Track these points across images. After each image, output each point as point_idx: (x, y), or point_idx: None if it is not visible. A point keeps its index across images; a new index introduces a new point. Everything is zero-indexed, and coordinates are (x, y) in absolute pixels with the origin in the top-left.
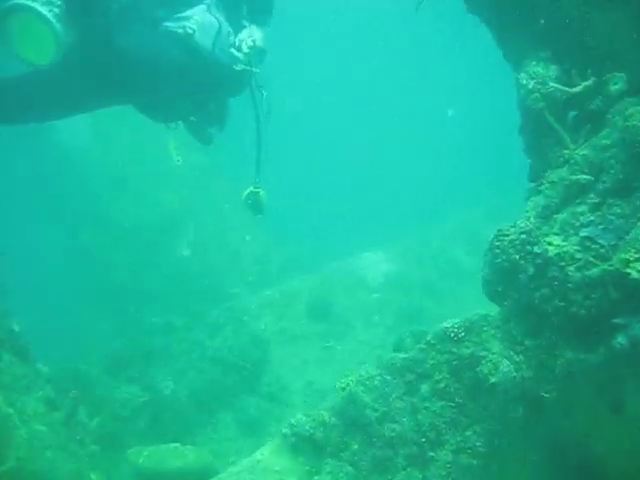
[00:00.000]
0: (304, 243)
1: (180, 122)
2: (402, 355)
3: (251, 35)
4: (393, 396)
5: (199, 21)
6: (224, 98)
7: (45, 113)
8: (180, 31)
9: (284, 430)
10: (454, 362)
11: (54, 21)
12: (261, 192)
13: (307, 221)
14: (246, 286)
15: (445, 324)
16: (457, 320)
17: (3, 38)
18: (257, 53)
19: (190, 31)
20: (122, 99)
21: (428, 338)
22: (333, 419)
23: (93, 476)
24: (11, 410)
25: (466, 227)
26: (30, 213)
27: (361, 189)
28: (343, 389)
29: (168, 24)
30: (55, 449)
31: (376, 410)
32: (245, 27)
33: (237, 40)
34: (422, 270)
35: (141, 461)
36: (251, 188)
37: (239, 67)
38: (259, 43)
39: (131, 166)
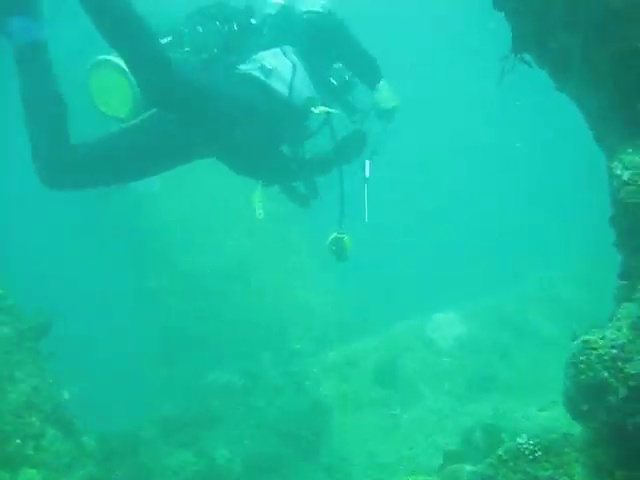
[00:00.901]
0: (372, 298)
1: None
2: (469, 468)
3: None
4: None
5: (273, 63)
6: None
7: (127, 174)
8: (255, 73)
9: None
10: None
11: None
12: (345, 238)
13: (377, 275)
14: (310, 341)
15: (520, 440)
16: (533, 437)
17: (90, 96)
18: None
19: (265, 71)
20: (204, 151)
21: (500, 452)
22: None
23: None
24: None
25: (544, 288)
26: (99, 258)
27: (433, 244)
28: None
29: (242, 67)
30: None
31: None
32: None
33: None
34: (496, 333)
35: None
36: (335, 234)
37: (317, 110)
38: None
39: (201, 212)
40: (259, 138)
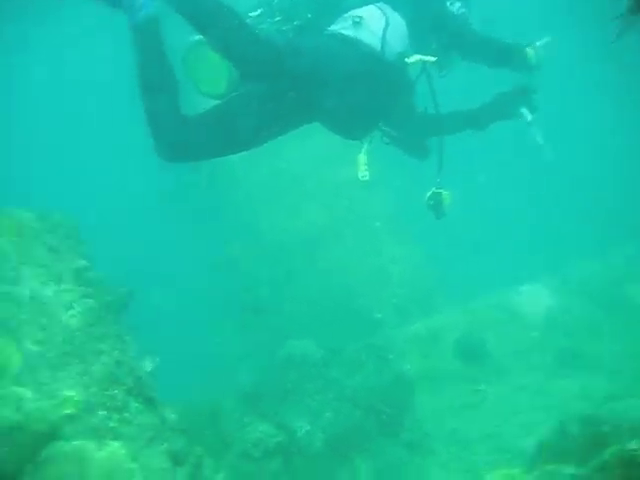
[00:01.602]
0: (456, 268)
1: (376, 138)
2: (570, 471)
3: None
4: None
5: (364, 18)
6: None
7: (231, 146)
8: (345, 31)
9: None
10: None
11: None
12: (444, 193)
13: (463, 242)
14: (391, 311)
15: (631, 445)
16: None
17: (187, 76)
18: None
19: (355, 27)
20: (305, 118)
21: (607, 458)
22: None
23: None
24: (134, 465)
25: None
26: (179, 228)
27: (520, 214)
28: None
29: (332, 27)
30: None
31: None
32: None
33: None
34: (587, 308)
35: None
36: (434, 189)
37: (411, 59)
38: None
39: (282, 179)
40: (361, 96)
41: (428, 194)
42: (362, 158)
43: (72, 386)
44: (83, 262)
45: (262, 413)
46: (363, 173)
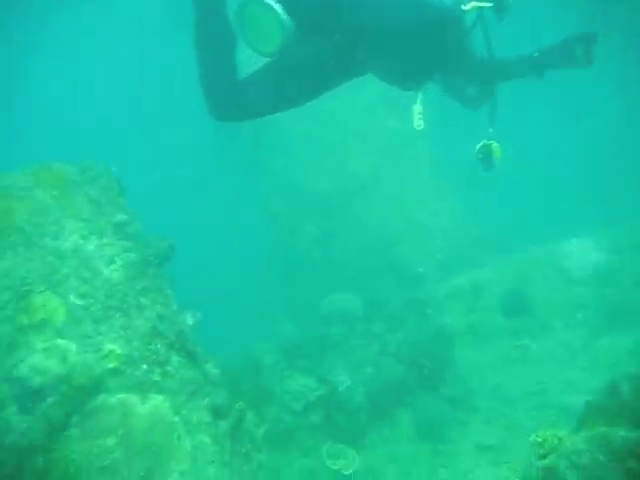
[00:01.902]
0: (500, 222)
1: (430, 88)
2: (622, 433)
3: None
4: None
5: None
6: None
7: (293, 100)
8: None
9: None
10: None
11: (277, 8)
12: (494, 145)
13: (506, 195)
14: (434, 265)
15: None
16: None
17: (240, 32)
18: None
19: None
20: (360, 70)
21: None
22: None
23: None
24: (177, 418)
25: None
26: (224, 182)
27: (568, 168)
28: (542, 457)
29: None
30: (219, 464)
31: None
32: None
33: None
34: (637, 263)
35: None
36: (484, 141)
37: (468, 6)
38: None
39: (324, 131)
40: (416, 46)
41: (478, 146)
42: (417, 108)
43: (115, 340)
44: (124, 216)
45: (303, 367)
46: (418, 122)
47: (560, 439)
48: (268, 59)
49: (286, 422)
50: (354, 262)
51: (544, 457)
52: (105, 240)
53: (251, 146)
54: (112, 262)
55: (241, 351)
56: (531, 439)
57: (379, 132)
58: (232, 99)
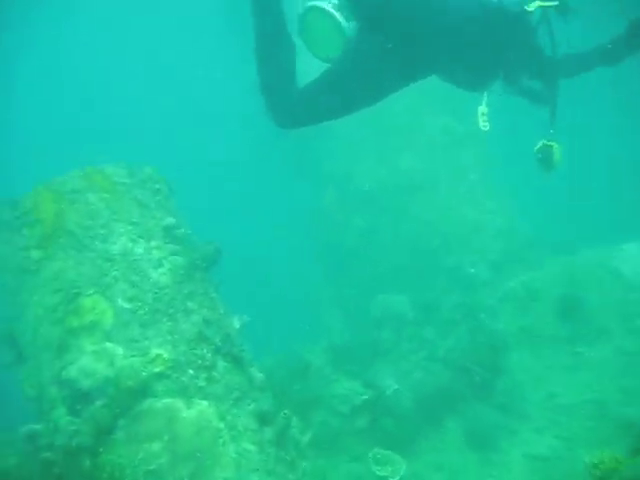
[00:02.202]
0: (554, 223)
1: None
2: None
3: None
4: None
5: None
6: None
7: (352, 106)
8: None
9: None
10: None
11: (337, 15)
12: (555, 146)
13: (561, 195)
14: (485, 266)
15: None
16: None
17: (302, 40)
18: None
19: None
20: (424, 72)
21: None
22: None
23: None
24: (222, 424)
25: None
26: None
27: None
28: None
29: None
30: (262, 472)
31: None
32: None
33: None
34: None
35: None
36: (544, 141)
37: (532, 7)
38: None
39: (377, 128)
40: (481, 48)
41: (538, 146)
42: (482, 109)
43: (162, 344)
44: (172, 219)
45: (351, 370)
46: (484, 124)
47: (618, 462)
48: (329, 65)
49: (333, 426)
50: (404, 260)
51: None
52: (153, 243)
53: (301, 143)
54: (160, 265)
55: (290, 353)
56: (587, 460)
57: (431, 129)
58: (294, 106)
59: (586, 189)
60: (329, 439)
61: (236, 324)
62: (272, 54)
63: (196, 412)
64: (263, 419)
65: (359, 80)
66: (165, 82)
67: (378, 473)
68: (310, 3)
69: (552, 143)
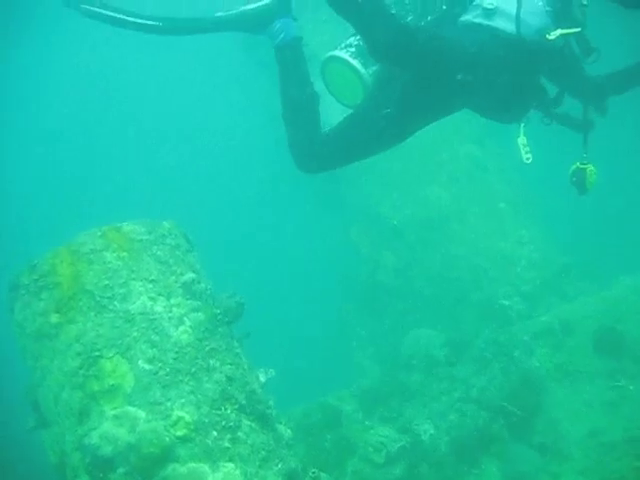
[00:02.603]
0: (589, 250)
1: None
2: None
3: None
4: None
5: (494, 1)
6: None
7: (378, 148)
8: (477, 20)
9: None
10: None
11: (355, 63)
12: (589, 169)
13: (595, 224)
14: (519, 297)
15: None
16: None
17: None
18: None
19: (487, 13)
20: (452, 107)
21: None
22: None
23: None
24: None
25: None
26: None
27: None
28: None
29: (464, 17)
30: None
31: None
32: None
33: None
34: None
35: None
36: (578, 164)
37: (552, 36)
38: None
39: (400, 160)
40: (507, 81)
41: (572, 169)
42: (522, 140)
43: (184, 405)
44: (191, 274)
45: (384, 416)
46: (527, 155)
47: None
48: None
49: (368, 475)
50: (436, 295)
51: None
52: (173, 300)
53: (327, 179)
54: (181, 323)
55: (320, 400)
56: None
57: (458, 159)
58: (321, 155)
59: (623, 213)
60: None
61: (262, 378)
62: (298, 114)
63: (222, 475)
64: (291, 478)
65: (383, 123)
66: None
67: None
68: (329, 53)
69: (586, 166)
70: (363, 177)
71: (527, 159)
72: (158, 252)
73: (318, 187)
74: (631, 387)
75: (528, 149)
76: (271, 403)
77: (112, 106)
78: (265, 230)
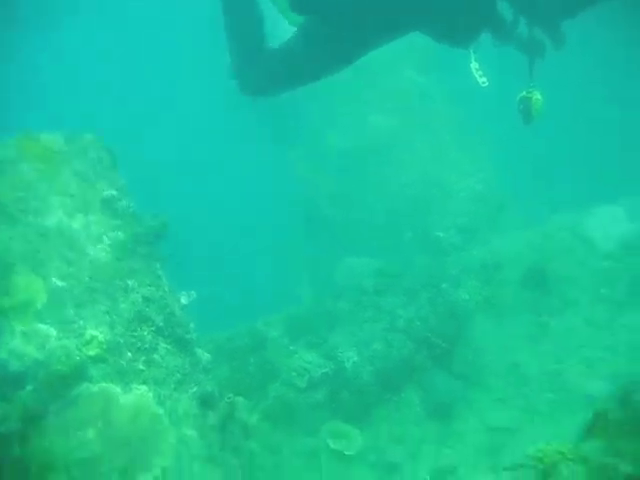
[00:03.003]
0: (529, 186)
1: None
2: (624, 469)
3: None
4: None
5: None
6: None
7: (327, 69)
8: None
9: None
10: None
11: None
12: (534, 97)
13: (538, 161)
14: (455, 230)
15: None
16: None
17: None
18: None
19: None
20: (405, 28)
21: None
22: None
23: None
24: (161, 410)
25: None
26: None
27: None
28: (542, 473)
29: None
30: (204, 460)
31: None
32: None
33: None
34: None
35: None
36: (524, 92)
37: None
38: None
39: (344, 88)
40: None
41: (518, 96)
42: (474, 65)
43: (98, 325)
44: (113, 192)
45: (310, 342)
46: (482, 80)
47: (562, 454)
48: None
49: (290, 400)
50: (373, 222)
51: (544, 473)
52: (92, 217)
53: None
54: (99, 241)
55: (247, 325)
56: (530, 452)
57: (403, 87)
58: (264, 67)
59: (568, 151)
60: (285, 413)
61: (183, 301)
62: (239, 18)
63: (134, 397)
64: (207, 403)
65: (335, 41)
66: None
67: (333, 447)
68: None
69: (533, 94)
70: (306, 104)
71: (483, 83)
72: (78, 166)
73: (261, 113)
74: (552, 323)
75: (482, 73)
76: (191, 326)
77: None
78: (206, 154)
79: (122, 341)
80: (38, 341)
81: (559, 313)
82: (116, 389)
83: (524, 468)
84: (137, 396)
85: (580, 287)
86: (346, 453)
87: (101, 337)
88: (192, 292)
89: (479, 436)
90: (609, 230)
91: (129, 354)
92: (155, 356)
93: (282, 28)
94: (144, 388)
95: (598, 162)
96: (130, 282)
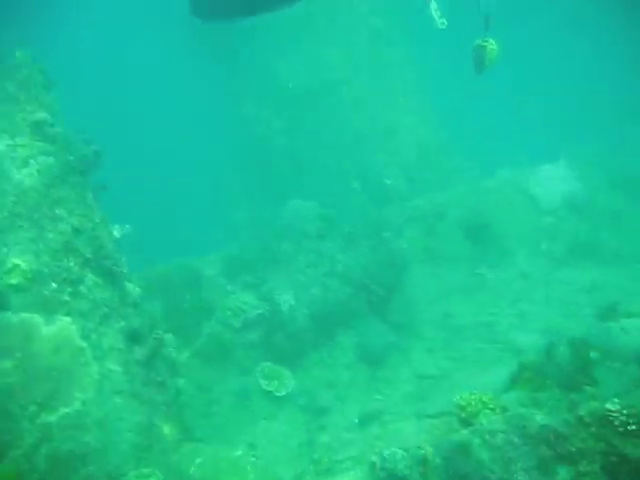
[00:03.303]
0: (475, 143)
1: None
2: (540, 419)
3: None
4: (518, 466)
5: None
6: None
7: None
8: None
9: (373, 459)
10: (613, 458)
11: None
12: (489, 47)
13: (485, 119)
14: (402, 179)
15: (610, 405)
16: (628, 407)
17: None
18: None
19: None
20: None
21: (581, 413)
22: (437, 460)
23: (166, 428)
24: (85, 344)
25: None
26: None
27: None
28: (463, 421)
29: None
30: (126, 395)
31: (493, 472)
32: None
33: None
34: (611, 193)
35: (192, 470)
36: (479, 40)
37: None
38: None
39: (299, 25)
40: None
41: (474, 45)
42: (433, 5)
43: (22, 253)
44: (45, 115)
45: (247, 282)
46: (441, 20)
47: (484, 404)
48: None
49: (224, 339)
50: (321, 162)
51: (465, 421)
52: (19, 140)
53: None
54: (26, 165)
55: (182, 261)
56: (455, 400)
57: (359, 28)
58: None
59: (514, 100)
60: (218, 352)
61: (116, 234)
62: None
63: (56, 329)
64: (134, 338)
65: None
66: None
67: (265, 387)
68: None
69: (488, 43)
70: (260, 40)
71: (442, 24)
72: (6, 84)
73: (215, 47)
74: (489, 275)
75: (440, 14)
76: (123, 260)
77: None
78: (157, 90)
79: (47, 271)
80: None
81: (496, 266)
82: (38, 319)
83: (446, 415)
84: (60, 328)
85: (520, 242)
86: (277, 394)
87: (25, 266)
88: (127, 226)
89: (408, 383)
90: (553, 187)
91: (54, 285)
92: (81, 288)
93: None
94: (68, 320)
95: (544, 119)
96: (58, 211)
